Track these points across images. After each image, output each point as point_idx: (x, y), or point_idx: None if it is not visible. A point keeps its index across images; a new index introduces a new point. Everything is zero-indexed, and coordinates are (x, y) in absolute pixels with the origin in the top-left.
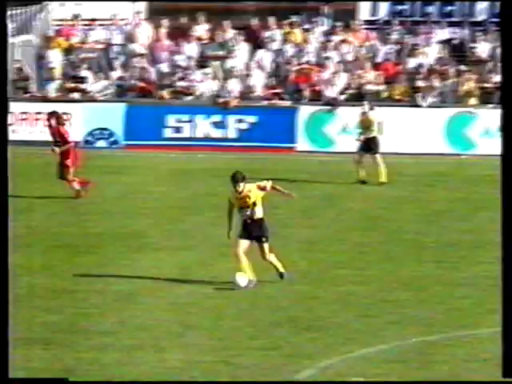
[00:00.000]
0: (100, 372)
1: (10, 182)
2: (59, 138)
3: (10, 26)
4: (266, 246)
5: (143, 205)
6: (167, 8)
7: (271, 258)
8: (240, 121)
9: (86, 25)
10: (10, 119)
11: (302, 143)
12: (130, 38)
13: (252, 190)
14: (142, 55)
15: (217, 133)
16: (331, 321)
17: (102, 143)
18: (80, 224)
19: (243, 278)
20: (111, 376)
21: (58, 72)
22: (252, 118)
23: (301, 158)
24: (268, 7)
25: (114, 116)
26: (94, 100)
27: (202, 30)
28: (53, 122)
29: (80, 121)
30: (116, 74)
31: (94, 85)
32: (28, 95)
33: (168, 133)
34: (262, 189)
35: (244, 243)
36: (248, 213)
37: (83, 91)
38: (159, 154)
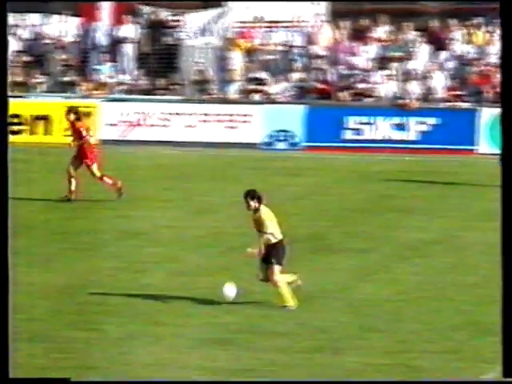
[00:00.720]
0: (280, 373)
1: (195, 181)
2: (75, 134)
3: (191, 28)
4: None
5: (322, 206)
6: (348, 10)
7: (279, 282)
8: (421, 123)
9: (266, 27)
10: (191, 121)
11: (483, 145)
12: (310, 39)
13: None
14: (322, 57)
15: (397, 135)
16: None
17: (281, 145)
18: None
19: (231, 288)
20: (288, 377)
21: (238, 74)
22: (433, 120)
23: (482, 160)
24: (450, 9)
25: (293, 118)
26: (273, 102)
27: (382, 31)
28: (71, 117)
29: (260, 122)
30: (296, 75)
31: (273, 86)
32: (208, 97)
33: (347, 134)
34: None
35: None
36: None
37: (263, 93)
38: (338, 156)
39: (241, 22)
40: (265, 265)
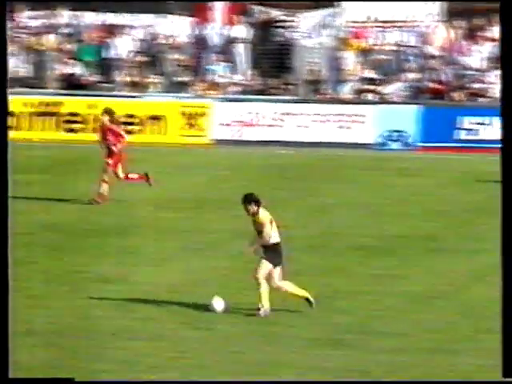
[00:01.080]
0: (398, 374)
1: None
2: (108, 136)
3: (304, 27)
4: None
5: (437, 207)
6: (462, 9)
7: (281, 285)
8: None
9: (380, 26)
10: (304, 121)
11: None
12: (424, 39)
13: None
14: (436, 57)
15: None
16: None
17: (395, 145)
18: (375, 226)
19: (219, 302)
20: (407, 378)
21: (351, 73)
22: None
23: None
24: None
25: (407, 118)
26: (387, 102)
27: (496, 30)
28: (105, 118)
29: (373, 122)
30: (409, 75)
31: (386, 86)
32: (321, 97)
33: (462, 134)
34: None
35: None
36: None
37: (376, 93)
38: (452, 156)
39: (354, 22)
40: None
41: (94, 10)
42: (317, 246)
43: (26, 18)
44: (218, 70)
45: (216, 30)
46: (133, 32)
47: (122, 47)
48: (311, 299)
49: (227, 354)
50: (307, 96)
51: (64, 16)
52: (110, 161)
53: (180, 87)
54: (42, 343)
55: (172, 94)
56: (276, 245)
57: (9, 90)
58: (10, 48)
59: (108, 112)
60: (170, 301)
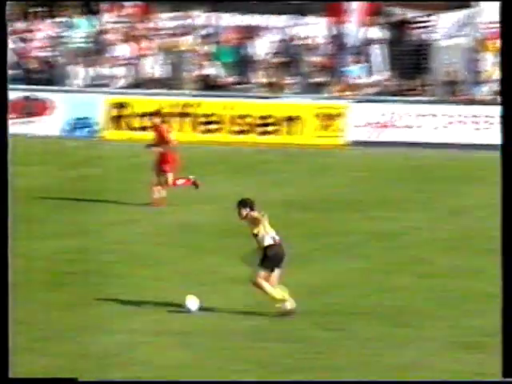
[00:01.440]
0: None
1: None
2: (160, 138)
3: (442, 28)
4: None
5: None
6: None
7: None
8: None
9: None
10: (442, 122)
11: None
12: None
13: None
14: None
15: None
16: None
17: None
18: None
19: (192, 301)
20: None
21: (489, 75)
22: None
23: None
24: None
25: None
26: None
27: None
28: (157, 120)
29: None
30: None
31: None
32: (458, 98)
33: None
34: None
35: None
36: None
37: None
38: None
39: (492, 23)
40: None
41: (230, 12)
42: (453, 248)
43: (164, 19)
44: (354, 71)
45: (352, 30)
46: (269, 33)
47: (259, 48)
48: (288, 305)
49: (363, 357)
50: (444, 97)
51: (201, 17)
52: (165, 165)
53: (316, 88)
54: (176, 343)
55: (308, 95)
56: (268, 248)
57: (142, 91)
58: (147, 49)
59: (158, 114)
60: (306, 302)
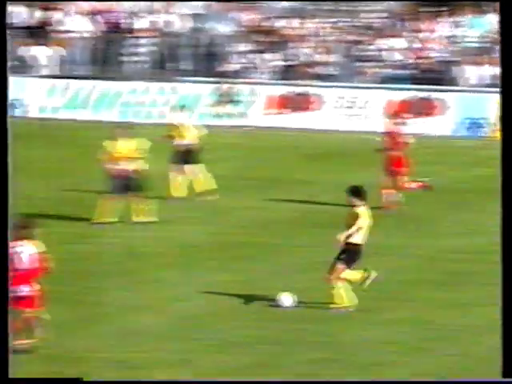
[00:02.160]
0: None
1: None
2: (394, 141)
3: None
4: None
5: None
6: None
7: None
8: None
9: None
10: None
11: None
12: None
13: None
14: None
15: None
16: None
17: None
18: None
19: (287, 297)
20: None
21: None
22: None
23: None
24: None
25: None
26: None
27: None
28: (392, 120)
29: None
30: None
31: None
32: None
33: None
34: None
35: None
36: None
37: None
38: None
39: None
40: (334, 259)
41: None
42: None
43: None
44: None
45: None
46: None
47: None
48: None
49: None
50: None
51: None
52: (401, 168)
53: None
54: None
55: None
56: (355, 245)
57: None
58: None
59: (399, 115)
60: None
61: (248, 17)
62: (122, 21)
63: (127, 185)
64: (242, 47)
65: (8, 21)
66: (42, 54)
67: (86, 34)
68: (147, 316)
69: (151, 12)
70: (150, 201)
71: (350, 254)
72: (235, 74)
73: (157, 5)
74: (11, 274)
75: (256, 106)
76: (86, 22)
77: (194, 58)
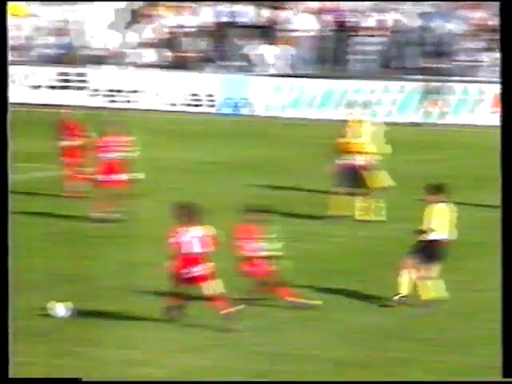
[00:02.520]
0: None
1: None
2: None
3: None
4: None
5: None
6: None
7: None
8: None
9: None
10: None
11: None
12: None
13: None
14: None
15: None
16: None
17: None
18: None
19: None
20: None
21: None
22: None
23: None
24: None
25: None
26: None
27: None
28: None
29: None
30: None
31: None
32: None
33: None
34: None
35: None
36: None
37: None
38: None
39: None
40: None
41: None
42: None
43: None
44: None
45: None
46: None
47: None
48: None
49: None
50: None
51: None
52: None
53: None
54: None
55: None
56: (435, 242)
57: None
58: None
59: None
60: None
61: (477, 15)
62: (348, 19)
63: (355, 180)
64: (471, 45)
65: (234, 19)
66: (269, 52)
67: (312, 33)
68: (373, 315)
69: (378, 10)
70: (379, 199)
71: (427, 251)
72: (460, 72)
73: (383, 4)
74: (183, 258)
75: (483, 104)
76: (313, 20)
77: (422, 56)
